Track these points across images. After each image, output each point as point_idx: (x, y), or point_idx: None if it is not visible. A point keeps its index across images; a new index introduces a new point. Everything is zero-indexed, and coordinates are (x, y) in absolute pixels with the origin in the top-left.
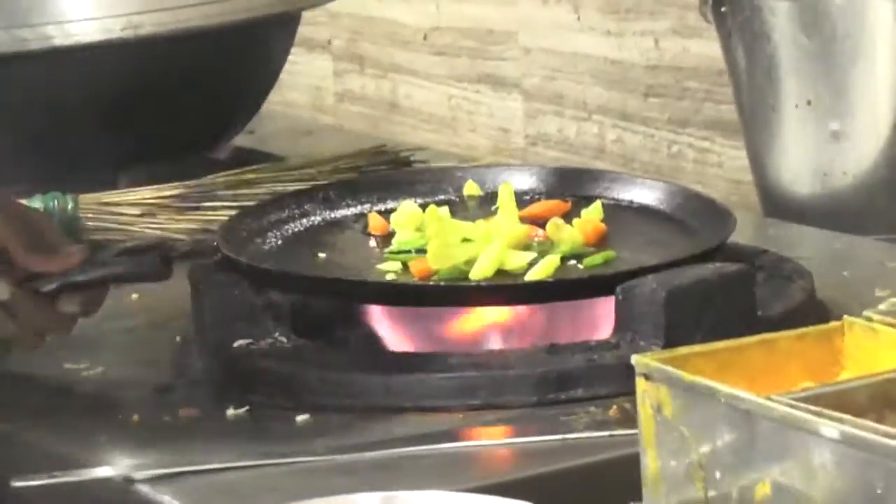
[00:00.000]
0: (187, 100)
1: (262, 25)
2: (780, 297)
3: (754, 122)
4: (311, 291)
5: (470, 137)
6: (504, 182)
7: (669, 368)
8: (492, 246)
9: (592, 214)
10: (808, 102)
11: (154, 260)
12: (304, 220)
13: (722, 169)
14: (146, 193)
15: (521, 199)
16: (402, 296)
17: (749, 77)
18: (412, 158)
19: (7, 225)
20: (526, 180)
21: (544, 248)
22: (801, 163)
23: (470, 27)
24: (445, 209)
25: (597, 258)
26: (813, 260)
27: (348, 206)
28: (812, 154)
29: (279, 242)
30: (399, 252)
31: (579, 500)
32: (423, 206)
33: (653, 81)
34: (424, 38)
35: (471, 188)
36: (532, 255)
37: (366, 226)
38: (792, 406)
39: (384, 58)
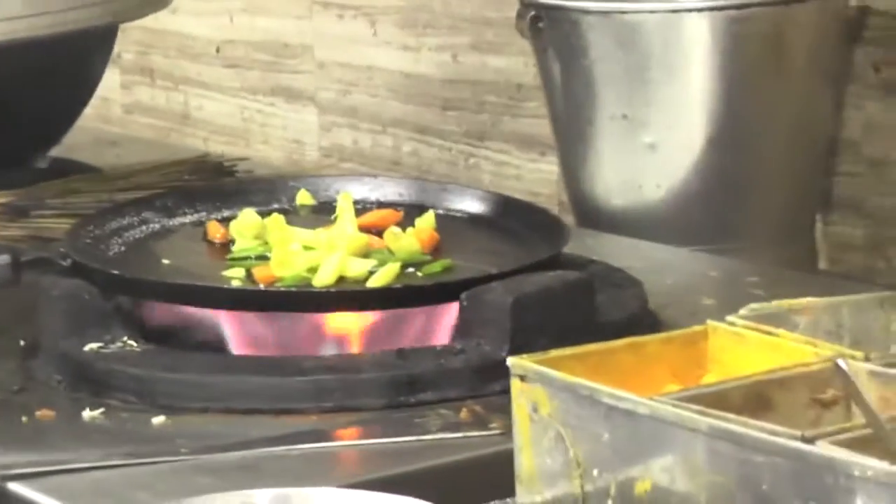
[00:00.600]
0: (9, 110)
1: (83, 38)
2: (616, 305)
3: (569, 135)
4: (163, 297)
5: (263, 149)
6: (341, 192)
7: (548, 370)
8: (334, 254)
9: (426, 223)
10: (624, 116)
11: (3, 266)
12: (144, 228)
13: (520, 182)
14: None
15: (354, 207)
16: (254, 302)
17: (565, 91)
18: (235, 168)
19: None
20: (357, 190)
21: (383, 257)
22: (615, 175)
23: (263, 40)
24: (282, 218)
25: (435, 266)
26: (635, 269)
27: (185, 213)
28: (627, 166)
29: (122, 249)
30: (240, 259)
31: (440, 499)
32: (261, 215)
33: (450, 95)
34: (217, 51)
35: (304, 197)
36: (372, 262)
37: (205, 233)
38: (674, 405)
39: (175, 70)
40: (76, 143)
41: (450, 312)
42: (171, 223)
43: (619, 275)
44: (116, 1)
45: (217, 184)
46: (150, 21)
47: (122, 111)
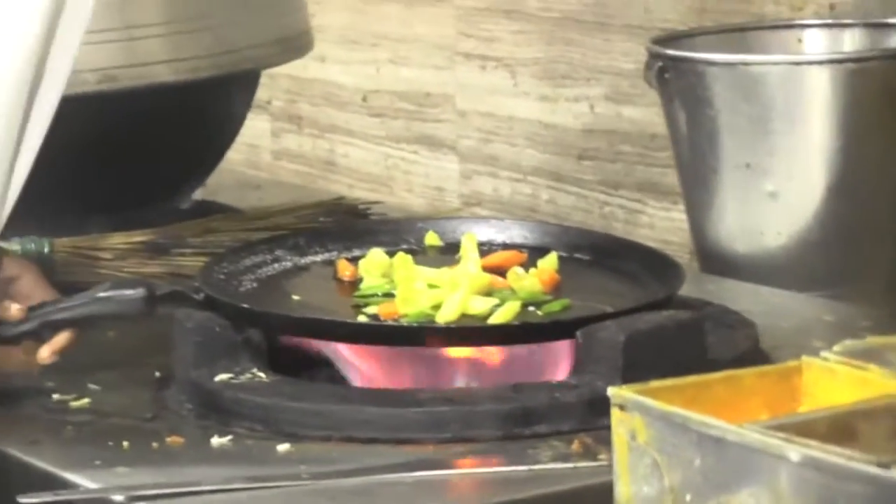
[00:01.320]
0: (156, 151)
1: (225, 83)
2: (727, 345)
3: (694, 183)
4: (290, 330)
5: (406, 196)
6: (466, 233)
7: (645, 399)
8: (457, 292)
9: (548, 264)
10: (747, 165)
11: (139, 299)
12: (276, 265)
13: (652, 230)
14: (117, 239)
15: (480, 249)
16: (378, 336)
17: (690, 140)
18: (369, 211)
19: None
20: (484, 232)
21: (505, 295)
22: (738, 222)
23: (407, 90)
24: (408, 257)
25: (555, 305)
26: (751, 313)
27: (316, 252)
28: (749, 214)
29: (254, 285)
30: (367, 296)
31: None
32: (389, 255)
33: (586, 145)
34: (364, 99)
35: (432, 238)
36: (494, 301)
37: (334, 271)
38: (760, 433)
39: (322, 118)
40: (222, 185)
41: (566, 349)
42: (302, 261)
43: (733, 317)
44: (257, 48)
45: (348, 224)
46: (299, 69)
47: (270, 157)
